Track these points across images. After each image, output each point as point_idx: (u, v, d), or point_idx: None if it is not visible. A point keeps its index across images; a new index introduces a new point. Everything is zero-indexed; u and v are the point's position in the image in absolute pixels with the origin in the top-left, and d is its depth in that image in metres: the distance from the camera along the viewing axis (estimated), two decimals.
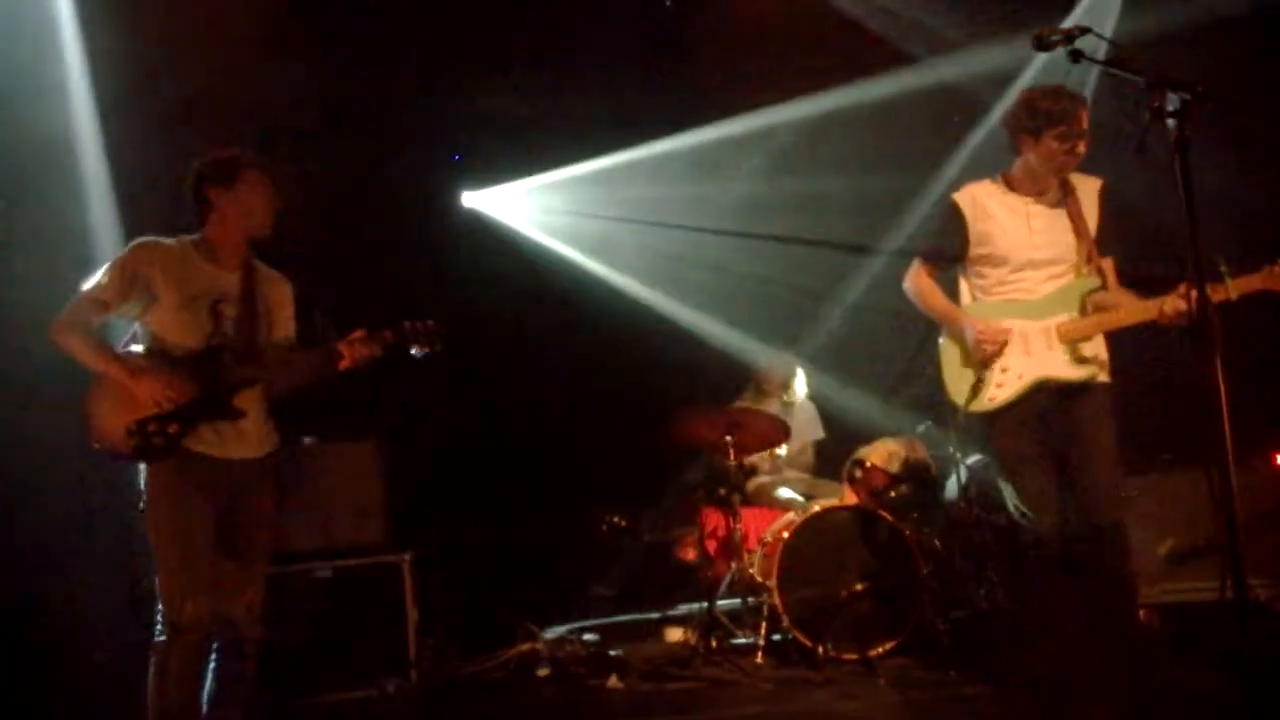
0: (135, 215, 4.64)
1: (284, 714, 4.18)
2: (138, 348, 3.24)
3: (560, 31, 5.87)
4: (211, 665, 3.17)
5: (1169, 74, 2.18)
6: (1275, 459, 4.89)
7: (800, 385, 5.94)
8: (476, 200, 6.55)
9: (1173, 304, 3.20)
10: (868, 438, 5.46)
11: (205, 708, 3.15)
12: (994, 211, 3.55)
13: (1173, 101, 2.17)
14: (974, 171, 4.13)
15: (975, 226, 3.56)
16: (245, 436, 3.24)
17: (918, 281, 3.71)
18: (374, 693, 4.45)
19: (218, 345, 3.21)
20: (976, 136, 5.93)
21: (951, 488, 5.08)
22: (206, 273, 3.26)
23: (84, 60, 4.84)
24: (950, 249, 3.63)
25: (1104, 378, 3.50)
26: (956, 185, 3.75)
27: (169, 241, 3.27)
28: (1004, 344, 3.46)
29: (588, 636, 4.85)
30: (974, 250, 3.58)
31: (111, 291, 3.15)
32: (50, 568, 4.39)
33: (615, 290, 6.58)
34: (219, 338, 3.21)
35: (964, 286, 3.70)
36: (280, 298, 3.44)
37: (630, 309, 6.48)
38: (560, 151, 6.34)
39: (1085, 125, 3.41)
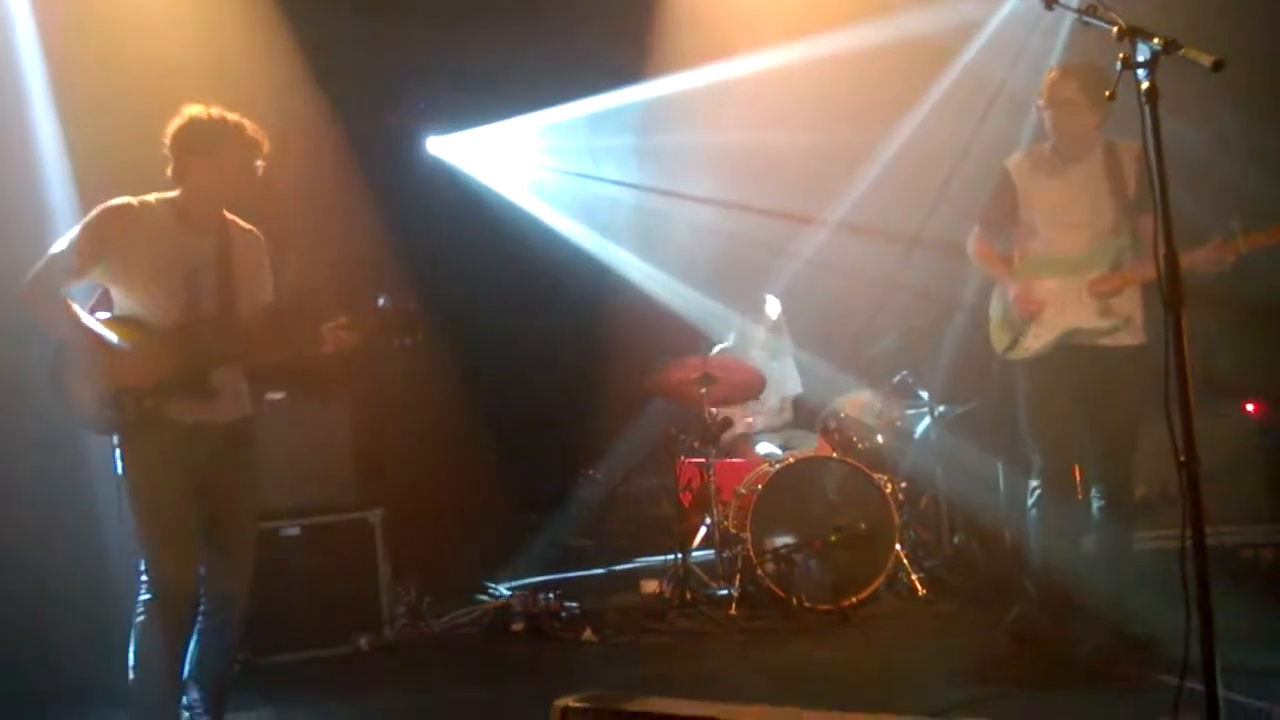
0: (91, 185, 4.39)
1: (256, 672, 4.15)
2: (105, 314, 3.10)
3: None
4: (197, 621, 3.15)
5: (1139, 24, 2.14)
6: (1244, 407, 4.93)
7: (773, 311, 5.90)
8: (442, 147, 6.40)
9: (1204, 256, 3.34)
10: (842, 389, 5.46)
11: (187, 662, 3.14)
12: (1038, 177, 3.77)
13: (1143, 51, 2.14)
14: (936, 126, 4.13)
15: (1022, 191, 3.79)
16: (219, 405, 3.16)
17: (975, 244, 3.97)
18: (347, 649, 4.44)
19: (196, 319, 3.10)
20: (940, 88, 5.79)
21: (924, 438, 5.09)
22: (181, 239, 3.12)
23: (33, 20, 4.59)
24: (1001, 213, 3.87)
25: (1135, 337, 3.66)
26: (918, 140, 3.85)
27: (140, 203, 3.11)
28: (1038, 311, 3.69)
29: (552, 594, 4.83)
30: (1021, 213, 3.80)
31: (81, 257, 3.02)
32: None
33: (582, 242, 6.50)
34: (196, 310, 3.11)
35: (1014, 247, 3.92)
36: (256, 259, 3.30)
37: (598, 261, 6.40)
38: (528, 99, 6.21)
39: (1062, 92, 3.59)
